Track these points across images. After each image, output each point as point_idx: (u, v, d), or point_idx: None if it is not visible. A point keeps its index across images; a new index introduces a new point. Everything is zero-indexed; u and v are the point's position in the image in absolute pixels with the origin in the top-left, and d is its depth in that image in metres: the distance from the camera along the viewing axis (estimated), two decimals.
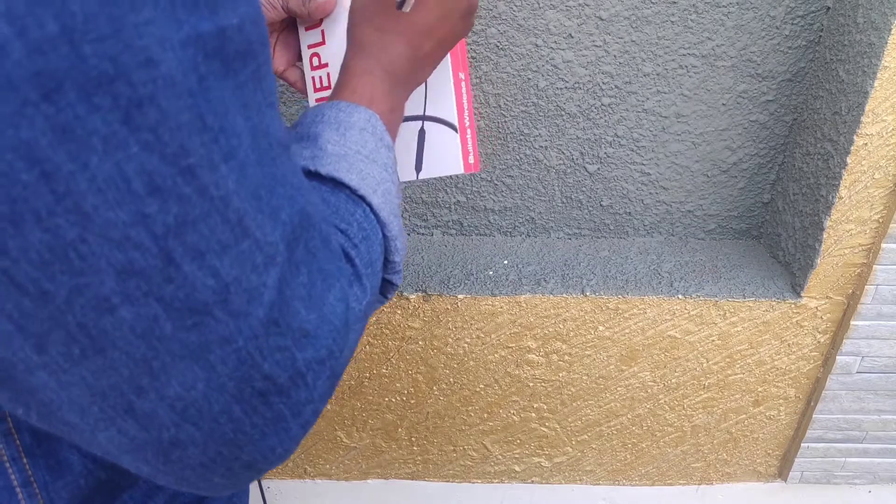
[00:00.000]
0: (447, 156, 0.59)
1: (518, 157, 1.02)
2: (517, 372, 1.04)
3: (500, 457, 1.15)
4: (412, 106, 0.59)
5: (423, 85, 0.59)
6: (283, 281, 0.29)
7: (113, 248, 0.24)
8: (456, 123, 0.59)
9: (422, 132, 0.59)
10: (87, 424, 0.27)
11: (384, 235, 0.40)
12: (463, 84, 0.59)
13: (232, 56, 0.26)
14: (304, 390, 0.30)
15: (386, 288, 0.43)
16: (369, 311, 0.41)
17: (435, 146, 0.59)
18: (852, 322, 0.98)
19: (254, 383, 0.29)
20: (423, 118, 0.59)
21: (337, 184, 0.39)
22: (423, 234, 1.09)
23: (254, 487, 1.02)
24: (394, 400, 1.08)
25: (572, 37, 0.91)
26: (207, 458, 0.29)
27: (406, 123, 0.59)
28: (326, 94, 0.64)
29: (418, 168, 0.59)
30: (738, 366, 1.05)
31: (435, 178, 0.64)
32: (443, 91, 0.58)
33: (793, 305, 0.99)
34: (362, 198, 0.39)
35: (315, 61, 0.67)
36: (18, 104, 0.21)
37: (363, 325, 0.37)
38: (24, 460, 0.34)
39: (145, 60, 0.23)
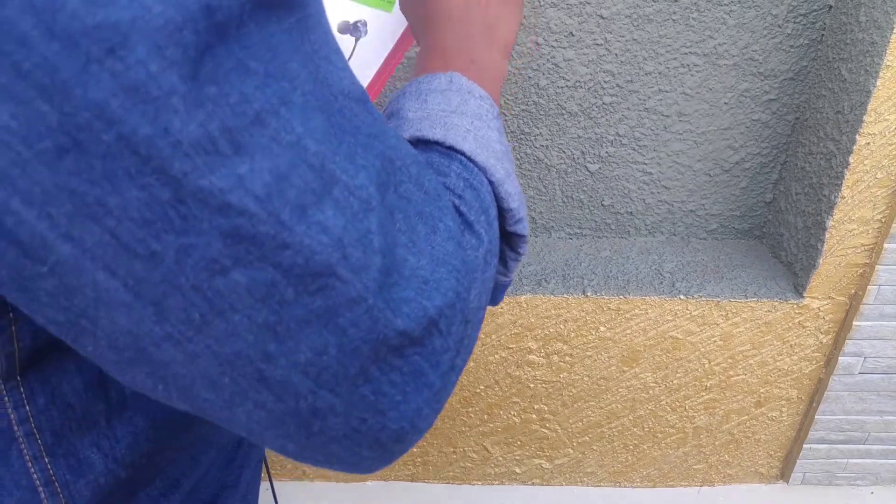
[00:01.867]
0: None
1: (519, 157, 1.01)
2: (518, 373, 1.04)
3: (500, 458, 1.14)
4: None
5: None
6: (383, 227, 0.27)
7: (214, 213, 0.22)
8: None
9: (357, 22, 0.59)
10: (222, 400, 0.27)
11: (490, 181, 0.37)
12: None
13: (276, 3, 0.24)
14: (438, 338, 0.29)
15: (515, 242, 0.40)
16: (508, 270, 0.40)
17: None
18: (855, 322, 0.98)
19: (389, 341, 0.27)
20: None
21: (425, 143, 0.38)
22: None
23: (263, 488, 1.01)
24: None
25: (573, 35, 0.91)
26: (351, 427, 0.28)
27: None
28: None
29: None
30: (740, 367, 1.04)
31: None
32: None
33: (795, 306, 0.98)
34: (452, 147, 0.37)
35: None
36: (82, 62, 0.20)
37: (489, 275, 0.35)
38: (46, 459, 0.34)
39: (205, 7, 0.21)
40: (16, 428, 0.32)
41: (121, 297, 0.24)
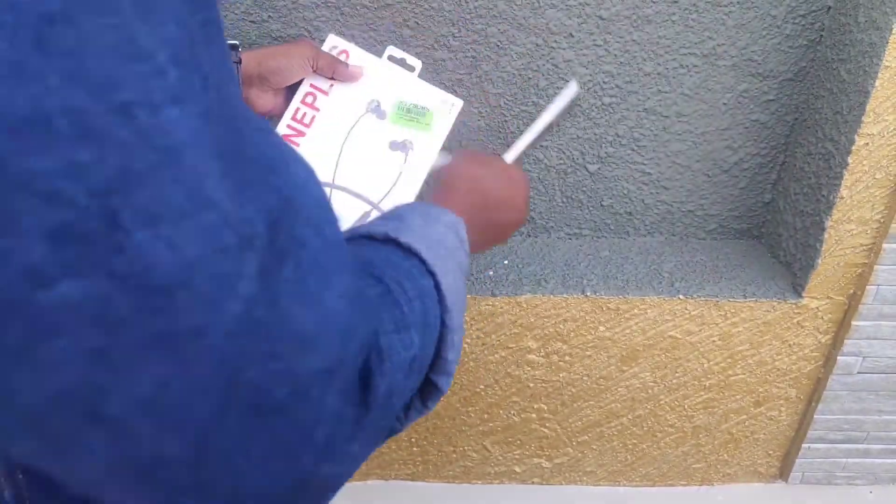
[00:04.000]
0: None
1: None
2: (517, 372, 1.04)
3: (500, 458, 1.14)
4: (372, 192, 0.72)
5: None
6: (267, 272, 0.24)
7: (41, 204, 0.19)
8: (373, 200, 0.69)
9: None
10: (50, 448, 0.23)
11: (443, 322, 0.36)
12: None
13: None
14: (310, 408, 0.26)
15: (429, 393, 0.38)
16: (407, 419, 0.38)
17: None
18: (853, 322, 0.98)
19: (241, 392, 0.24)
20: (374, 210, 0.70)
21: (412, 253, 0.37)
22: None
23: None
24: None
25: (573, 36, 0.91)
26: (201, 480, 0.24)
27: (355, 202, 0.69)
28: (300, 130, 0.73)
29: None
30: (738, 366, 1.04)
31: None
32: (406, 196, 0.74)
33: (794, 306, 0.98)
34: (433, 274, 0.37)
35: (309, 99, 0.72)
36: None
37: (409, 384, 0.33)
38: (20, 476, 0.32)
39: None
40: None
41: None
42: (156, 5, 0.21)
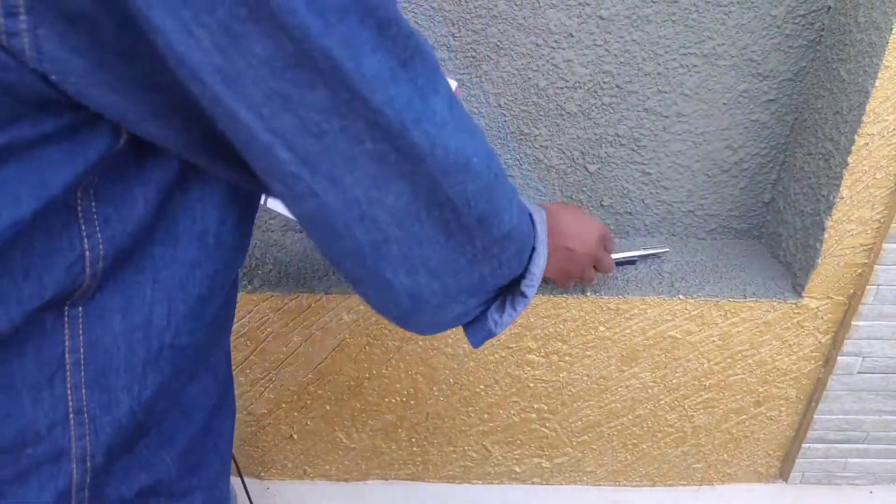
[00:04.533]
0: None
1: (518, 157, 1.01)
2: (517, 372, 1.04)
3: (500, 457, 1.14)
4: None
5: None
6: (454, 133, 0.38)
7: (368, 109, 0.34)
8: None
9: None
10: (328, 237, 0.39)
11: (533, 247, 0.50)
12: None
13: None
14: (466, 210, 0.41)
15: (518, 301, 0.51)
16: (501, 322, 0.51)
17: None
18: (853, 322, 0.98)
19: (442, 205, 0.39)
20: None
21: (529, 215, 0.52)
22: None
23: (241, 489, 1.02)
24: (394, 401, 1.07)
25: (573, 36, 0.91)
26: (402, 254, 0.40)
27: None
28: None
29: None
30: (738, 366, 1.04)
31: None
32: None
33: (794, 306, 0.98)
34: (534, 225, 0.51)
35: None
36: (324, 24, 0.30)
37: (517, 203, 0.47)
38: (83, 391, 0.38)
39: None
40: (67, 356, 0.37)
41: (291, 168, 0.34)
42: None
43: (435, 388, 1.06)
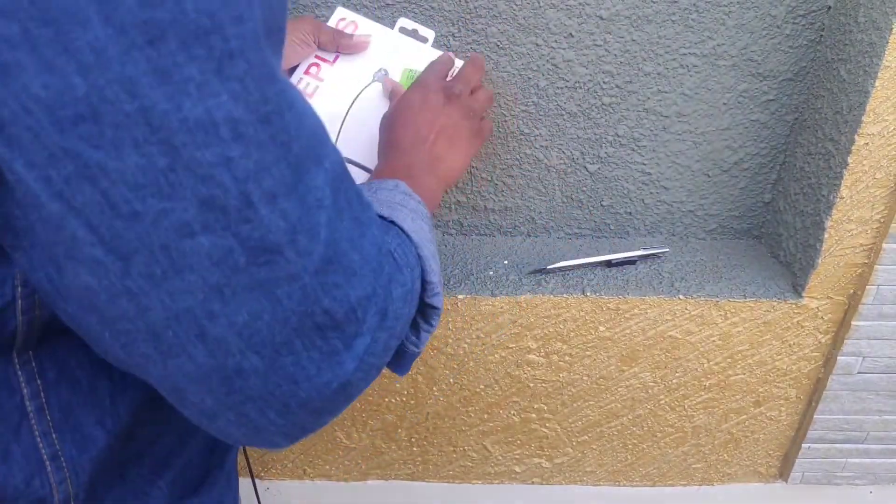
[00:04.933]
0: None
1: (518, 157, 1.01)
2: (517, 372, 1.04)
3: (500, 457, 1.14)
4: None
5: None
6: (331, 223, 0.32)
7: (198, 182, 0.27)
8: (371, 167, 0.70)
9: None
10: (160, 353, 0.30)
11: (418, 255, 0.44)
12: None
13: (272, 27, 0.29)
14: (355, 324, 0.34)
15: (429, 314, 0.46)
16: (420, 341, 0.47)
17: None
18: (853, 322, 0.98)
19: (315, 318, 0.32)
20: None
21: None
22: None
23: (250, 492, 1.02)
24: (393, 400, 1.07)
25: (573, 36, 0.91)
26: (267, 390, 0.32)
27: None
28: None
29: None
30: (738, 366, 1.04)
31: None
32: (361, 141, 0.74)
33: (794, 306, 0.98)
34: (393, 222, 0.45)
35: (313, 70, 0.71)
36: (126, 45, 0.24)
37: (406, 312, 0.39)
38: (54, 435, 0.36)
39: (237, 17, 0.26)
40: (27, 403, 0.35)
41: (94, 252, 0.27)
42: (277, 39, 0.30)
43: (435, 388, 1.06)
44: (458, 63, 0.78)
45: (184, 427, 0.45)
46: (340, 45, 0.73)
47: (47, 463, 0.36)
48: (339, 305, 0.32)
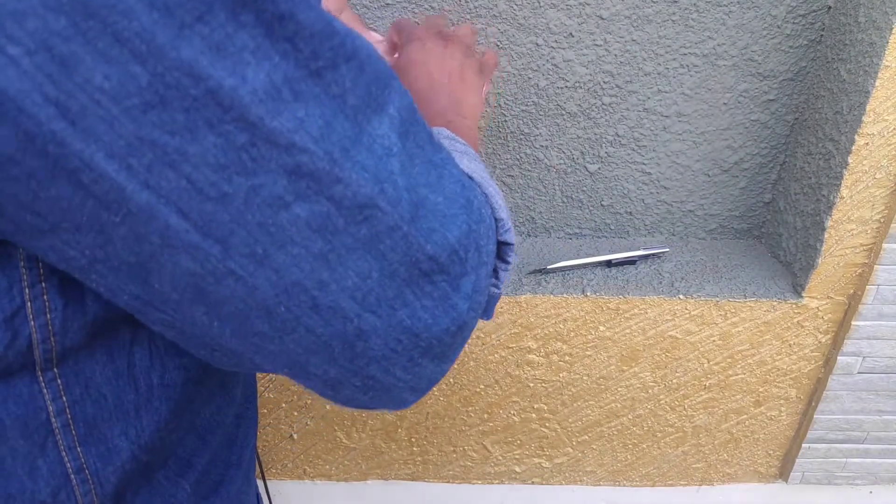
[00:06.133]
0: None
1: (518, 157, 1.01)
2: (517, 372, 1.04)
3: (500, 457, 1.14)
4: None
5: None
6: (405, 169, 0.31)
7: (282, 152, 0.26)
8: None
9: None
10: (275, 330, 0.29)
11: (484, 193, 0.41)
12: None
13: None
14: (459, 265, 0.33)
15: (503, 251, 0.44)
16: (499, 281, 0.45)
17: None
18: (853, 322, 0.98)
19: (420, 265, 0.31)
20: None
21: None
22: None
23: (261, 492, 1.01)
24: None
25: (573, 36, 0.91)
26: (389, 347, 0.31)
27: None
28: None
29: None
30: (739, 366, 1.04)
31: None
32: None
33: (794, 305, 0.98)
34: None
35: None
36: (176, 28, 0.23)
37: (490, 248, 0.38)
38: (79, 449, 0.36)
39: None
40: (53, 420, 0.34)
41: (190, 238, 0.26)
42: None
43: (435, 388, 1.06)
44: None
45: (204, 425, 0.45)
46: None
47: (72, 476, 0.36)
48: (441, 249, 0.32)
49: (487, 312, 0.46)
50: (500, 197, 0.43)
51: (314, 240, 0.28)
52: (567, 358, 1.03)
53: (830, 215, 0.90)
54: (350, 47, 0.28)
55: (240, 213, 0.26)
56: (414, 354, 0.32)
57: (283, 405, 1.07)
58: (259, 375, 1.03)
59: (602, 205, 1.06)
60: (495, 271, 0.44)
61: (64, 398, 0.34)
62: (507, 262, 0.45)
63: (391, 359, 0.32)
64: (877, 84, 0.80)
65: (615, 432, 1.12)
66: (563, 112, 0.97)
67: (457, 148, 0.44)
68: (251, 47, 0.25)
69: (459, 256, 0.33)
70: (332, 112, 0.27)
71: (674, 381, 1.06)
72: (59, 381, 0.34)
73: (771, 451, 1.16)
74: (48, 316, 0.31)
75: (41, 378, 0.33)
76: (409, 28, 0.61)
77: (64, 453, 0.35)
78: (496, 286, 0.45)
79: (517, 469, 1.16)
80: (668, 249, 1.05)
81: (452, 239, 0.32)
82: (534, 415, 1.09)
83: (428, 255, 0.31)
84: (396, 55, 0.63)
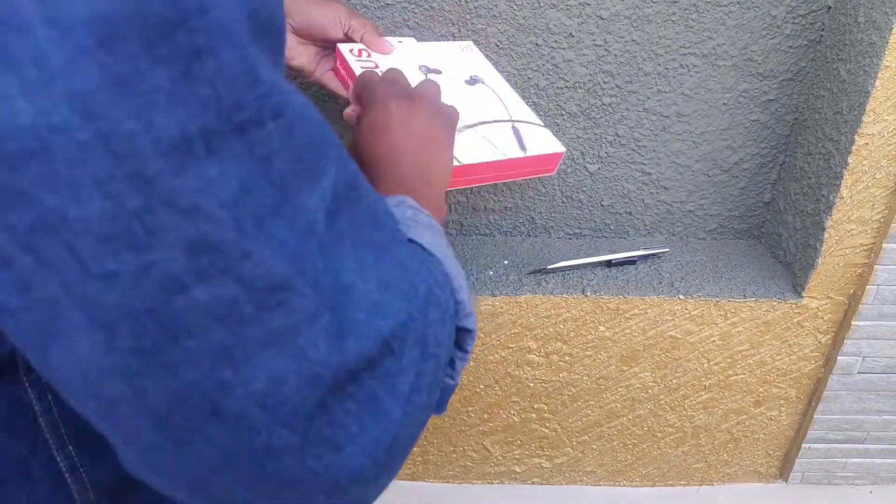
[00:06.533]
0: (546, 139, 0.72)
1: None
2: (517, 372, 1.04)
3: (500, 457, 1.14)
4: (496, 112, 0.74)
5: (498, 98, 0.76)
6: (325, 251, 0.26)
7: (182, 218, 0.21)
8: (541, 122, 0.73)
9: (514, 128, 0.72)
10: (170, 441, 0.25)
11: (445, 273, 0.38)
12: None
13: (263, 23, 0.24)
14: (391, 360, 0.28)
15: (462, 339, 0.40)
16: (455, 372, 0.40)
17: (531, 135, 0.72)
18: (853, 322, 0.98)
19: (347, 364, 0.26)
20: (511, 121, 0.73)
21: None
22: None
23: None
24: None
25: (573, 36, 0.91)
26: (307, 468, 0.26)
27: (497, 124, 0.72)
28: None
29: (522, 148, 0.69)
30: (738, 366, 1.04)
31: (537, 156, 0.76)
32: (518, 103, 0.77)
33: (794, 306, 0.98)
34: (412, 241, 0.39)
35: (364, 54, 0.72)
36: (72, 51, 0.19)
37: (446, 337, 0.34)
38: (70, 448, 0.35)
39: (200, 6, 0.21)
40: (40, 419, 0.33)
41: (74, 316, 0.22)
42: (272, 39, 0.25)
43: None
44: (469, 44, 0.83)
45: None
46: (366, 35, 0.73)
47: (67, 475, 0.35)
48: (372, 343, 0.27)
49: (440, 406, 0.41)
50: (461, 277, 0.39)
51: (215, 331, 0.23)
52: (567, 358, 1.03)
53: (830, 215, 0.90)
54: (277, 103, 0.24)
55: (127, 297, 0.21)
56: (339, 476, 0.27)
57: None
58: None
59: (602, 205, 1.06)
60: (452, 361, 0.39)
61: (49, 397, 0.33)
62: (466, 352, 0.40)
63: (311, 481, 0.26)
64: (877, 84, 0.80)
65: (615, 432, 1.12)
66: (563, 112, 0.97)
67: (420, 220, 0.40)
68: (166, 89, 0.20)
69: (392, 351, 0.28)
70: (254, 175, 0.23)
71: (674, 381, 1.06)
72: (42, 381, 0.32)
73: (771, 451, 1.16)
74: None
75: (24, 379, 0.32)
76: (370, 86, 0.55)
77: (55, 452, 0.34)
78: (451, 377, 0.40)
79: (517, 469, 1.16)
80: (667, 249, 1.05)
81: (386, 330, 0.28)
82: (534, 415, 1.09)
83: (357, 352, 0.26)
84: (358, 117, 0.59)
